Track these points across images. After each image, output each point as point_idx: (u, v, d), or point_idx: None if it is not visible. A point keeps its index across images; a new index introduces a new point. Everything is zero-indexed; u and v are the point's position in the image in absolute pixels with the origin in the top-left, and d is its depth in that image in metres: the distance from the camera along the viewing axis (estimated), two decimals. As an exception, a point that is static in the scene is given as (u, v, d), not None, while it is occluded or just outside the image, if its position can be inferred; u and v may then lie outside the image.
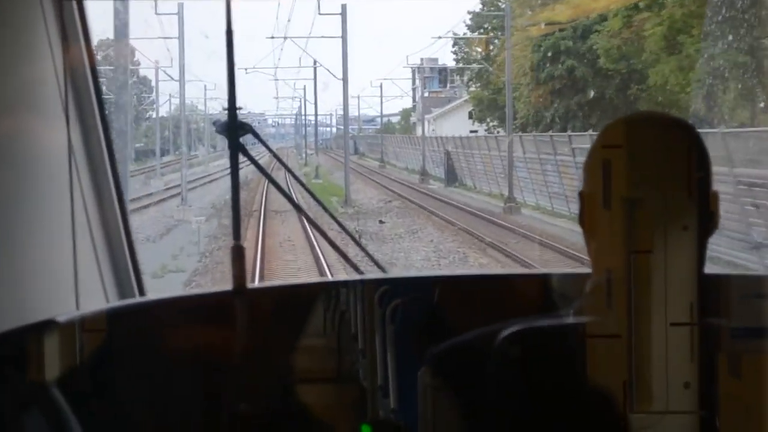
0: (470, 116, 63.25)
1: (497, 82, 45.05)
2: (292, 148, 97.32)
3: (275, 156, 3.40)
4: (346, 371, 2.85)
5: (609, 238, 2.34)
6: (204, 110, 70.91)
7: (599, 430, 2.48)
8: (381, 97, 79.00)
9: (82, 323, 2.59)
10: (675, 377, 2.35)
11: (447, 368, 2.59)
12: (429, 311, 2.76)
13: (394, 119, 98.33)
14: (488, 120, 50.63)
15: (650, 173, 2.35)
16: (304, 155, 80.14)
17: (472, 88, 56.04)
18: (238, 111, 2.84)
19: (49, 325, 2.46)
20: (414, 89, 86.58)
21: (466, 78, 64.71)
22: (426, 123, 78.74)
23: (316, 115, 63.78)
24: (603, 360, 2.39)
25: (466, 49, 53.71)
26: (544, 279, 2.89)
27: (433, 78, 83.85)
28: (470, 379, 2.54)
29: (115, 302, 2.94)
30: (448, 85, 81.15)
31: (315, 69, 52.36)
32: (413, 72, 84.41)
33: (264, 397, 2.66)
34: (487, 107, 48.86)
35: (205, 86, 68.78)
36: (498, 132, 45.92)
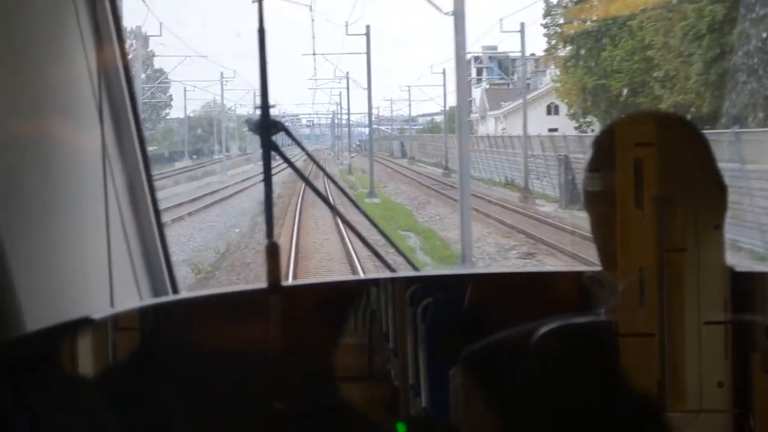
0: (549, 111, 57.06)
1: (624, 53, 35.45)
2: (328, 150, 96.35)
3: (312, 159, 3.57)
4: (378, 369, 3.07)
5: (642, 237, 2.59)
6: (222, 102, 66.27)
7: (634, 430, 2.68)
8: (444, 85, 67.90)
9: (117, 321, 2.84)
10: (708, 376, 2.60)
11: (480, 367, 2.83)
12: (460, 309, 2.98)
13: (437, 118, 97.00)
14: (581, 117, 42.96)
15: (681, 172, 2.61)
16: (345, 159, 70.76)
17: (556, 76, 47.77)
18: (270, 108, 3.25)
19: (84, 322, 2.70)
20: (470, 81, 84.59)
21: (543, 62, 56.27)
22: (492, 120, 75.15)
23: (370, 100, 49.60)
24: (637, 359, 2.63)
25: (561, 21, 44.79)
26: (576, 277, 3.09)
27: (491, 68, 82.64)
28: (503, 378, 2.77)
29: (150, 300, 3.24)
30: (515, 76, 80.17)
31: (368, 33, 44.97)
32: (468, 63, 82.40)
33: (297, 395, 2.90)
34: (593, 96, 40.61)
35: (222, 73, 61.90)
36: (593, 131, 39.66)
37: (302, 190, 36.33)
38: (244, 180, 47.39)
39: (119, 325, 2.86)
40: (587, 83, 41.74)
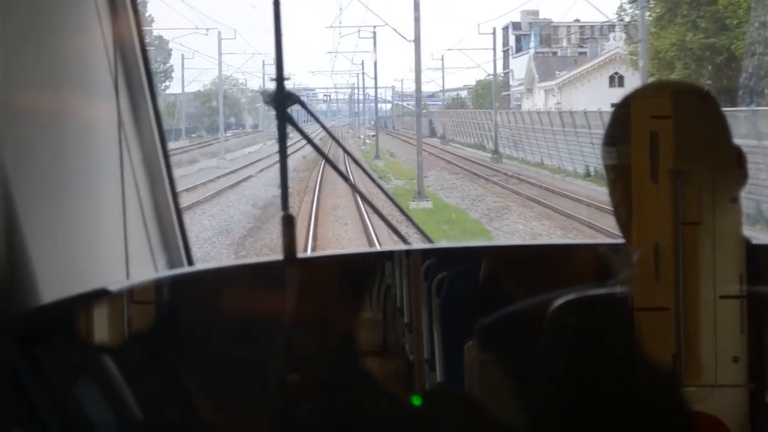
0: (612, 82, 52.63)
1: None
2: (347, 127, 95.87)
3: (332, 137, 3.72)
4: (393, 343, 3.32)
5: (658, 210, 2.82)
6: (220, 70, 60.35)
7: (649, 405, 2.88)
8: (494, 48, 61.85)
9: (133, 293, 3.07)
10: (724, 351, 2.81)
11: (495, 340, 3.05)
12: (475, 282, 3.21)
13: (461, 93, 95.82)
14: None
15: (697, 144, 2.82)
16: (370, 137, 65.65)
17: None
18: (285, 81, 3.58)
19: (100, 294, 2.93)
20: (506, 50, 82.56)
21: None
22: (541, 93, 64.02)
23: (418, 55, 34.67)
24: (652, 332, 2.84)
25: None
26: (591, 249, 3.32)
27: (530, 36, 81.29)
28: (518, 350, 3.00)
29: (166, 271, 3.49)
30: (566, 45, 78.71)
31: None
32: (505, 30, 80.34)
33: (312, 367, 3.13)
34: (696, 60, 33.10)
35: (219, 33, 56.48)
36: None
37: (317, 184, 31.99)
38: (246, 166, 41.13)
39: (135, 296, 3.09)
40: (691, 43, 34.50)
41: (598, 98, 43.92)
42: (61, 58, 3.12)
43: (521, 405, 3.08)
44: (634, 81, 42.75)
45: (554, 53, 75.66)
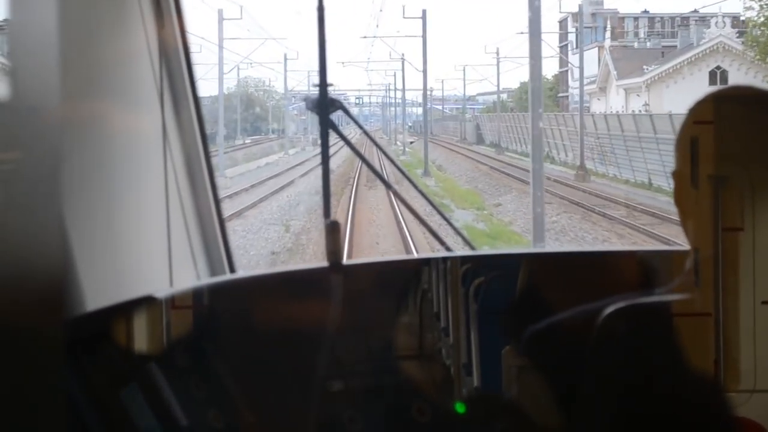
0: (713, 79, 48.39)
1: None
2: (379, 131, 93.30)
3: (376, 145, 4.06)
4: (437, 349, 3.59)
5: (698, 217, 3.06)
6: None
7: (692, 411, 3.16)
8: (579, 32, 58.99)
9: (179, 299, 3.32)
10: (764, 356, 3.02)
11: (540, 346, 3.30)
12: (513, 289, 3.48)
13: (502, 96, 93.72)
14: None
15: (739, 150, 3.04)
16: (409, 144, 63.82)
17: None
18: (329, 87, 3.55)
19: (146, 301, 3.17)
20: (564, 46, 79.62)
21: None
22: (620, 92, 58.33)
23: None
24: (693, 339, 3.07)
25: None
26: (633, 257, 3.56)
27: (594, 29, 78.89)
28: (568, 357, 3.26)
29: (209, 279, 3.76)
30: (645, 37, 75.95)
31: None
32: (562, 23, 76.70)
33: (355, 374, 3.40)
34: None
35: (220, 11, 49.39)
36: None
37: (348, 222, 27.00)
38: (247, 188, 35.09)
39: (180, 303, 3.34)
40: None
41: (695, 97, 42.01)
42: (105, 65, 3.35)
43: (566, 413, 3.33)
44: (740, 77, 38.80)
45: (624, 47, 73.48)
